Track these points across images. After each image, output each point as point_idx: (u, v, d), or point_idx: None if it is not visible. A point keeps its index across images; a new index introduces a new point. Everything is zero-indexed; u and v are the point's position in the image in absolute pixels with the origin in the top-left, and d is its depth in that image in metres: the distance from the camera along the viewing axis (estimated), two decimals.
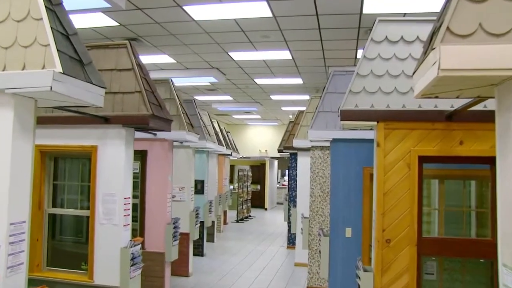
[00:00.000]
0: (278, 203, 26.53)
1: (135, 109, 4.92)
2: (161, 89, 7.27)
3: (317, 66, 10.54)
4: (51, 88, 2.65)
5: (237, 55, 9.77)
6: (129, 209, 5.06)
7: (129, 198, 5.07)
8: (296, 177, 11.91)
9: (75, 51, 3.01)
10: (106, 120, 4.92)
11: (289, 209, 12.17)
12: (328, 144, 7.99)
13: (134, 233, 7.13)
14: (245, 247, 12.67)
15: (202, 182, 11.14)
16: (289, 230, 12.42)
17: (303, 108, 11.11)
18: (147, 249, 7.04)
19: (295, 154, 11.84)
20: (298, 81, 12.36)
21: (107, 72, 5.11)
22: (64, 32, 2.95)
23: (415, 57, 3.94)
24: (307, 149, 9.37)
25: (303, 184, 9.88)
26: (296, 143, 8.43)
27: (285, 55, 9.60)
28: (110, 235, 4.93)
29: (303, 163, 9.95)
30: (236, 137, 22.43)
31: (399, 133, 3.98)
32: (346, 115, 4.07)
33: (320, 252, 6.24)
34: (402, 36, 4.09)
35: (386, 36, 4.13)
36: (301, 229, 8.45)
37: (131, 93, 4.99)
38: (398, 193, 3.95)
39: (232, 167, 23.90)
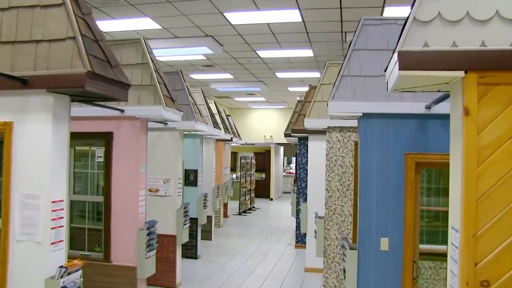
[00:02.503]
0: (284, 192, 24.87)
1: (67, 65, 3.18)
2: (130, 50, 5.53)
3: (333, 32, 8.72)
4: None
5: (235, 17, 7.97)
6: (61, 218, 3.34)
7: (62, 201, 3.35)
8: (306, 165, 10.19)
9: None
10: (23, 83, 3.20)
11: (297, 203, 10.46)
12: (349, 124, 6.26)
13: (98, 241, 5.45)
14: (247, 246, 10.98)
15: (195, 172, 9.44)
16: (297, 227, 10.72)
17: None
18: (114, 262, 5.38)
19: (305, 139, 10.10)
20: (308, 53, 10.54)
21: (27, 10, 3.37)
22: None
23: None
24: (320, 132, 7.65)
25: (315, 174, 8.20)
26: (309, 123, 6.67)
27: (293, 16, 7.80)
28: (31, 258, 3.23)
29: (316, 148, 8.24)
30: (238, 122, 20.68)
31: (507, 92, 2.23)
32: (409, 61, 2.31)
33: (344, 271, 4.53)
34: None
35: None
36: (315, 231, 6.74)
37: (61, 40, 3.25)
38: (504, 198, 2.20)
39: (234, 155, 22.24)
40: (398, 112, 4.24)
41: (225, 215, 15.08)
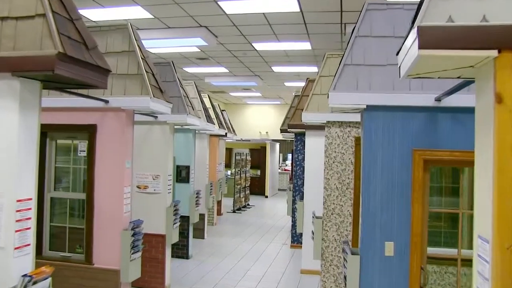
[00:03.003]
0: (279, 190, 24.50)
1: (35, 46, 2.79)
2: (115, 37, 5.14)
3: (332, 23, 8.35)
4: None
5: (230, 6, 7.58)
6: (28, 219, 2.96)
7: (29, 200, 2.97)
8: (303, 162, 9.85)
9: None
10: None
11: (293, 202, 10.11)
12: (349, 119, 5.91)
13: (79, 241, 5.08)
14: (241, 245, 10.61)
15: (187, 168, 9.06)
16: (293, 226, 10.37)
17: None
18: (96, 264, 5.00)
19: (301, 135, 9.75)
20: (306, 46, 10.16)
21: None
22: None
23: None
24: (318, 127, 7.29)
25: (312, 172, 7.84)
26: (307, 117, 6.29)
27: (291, 5, 7.41)
28: None
29: (313, 145, 7.88)
30: (234, 118, 20.30)
31: None
32: (431, 38, 1.93)
33: (345, 277, 4.17)
34: None
35: None
36: (312, 232, 6.38)
37: (29, 18, 2.86)
38: None
39: (229, 151, 21.89)
40: (405, 104, 3.88)
41: (219, 213, 14.70)
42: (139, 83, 4.90)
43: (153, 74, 5.19)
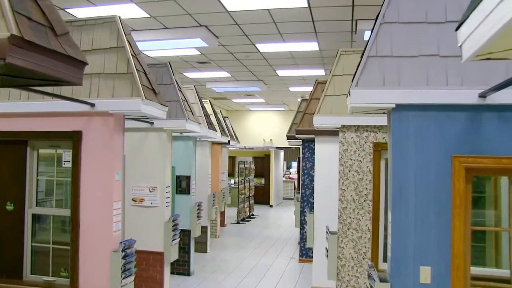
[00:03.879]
0: (284, 198, 23.85)
1: None
2: (102, 31, 4.54)
3: (342, 20, 7.75)
4: None
5: (231, 2, 6.99)
6: None
7: None
8: (311, 170, 9.23)
9: None
10: None
11: (301, 213, 9.47)
12: (366, 122, 5.30)
13: (65, 264, 4.47)
14: (246, 259, 9.96)
15: (188, 178, 8.44)
16: (301, 239, 9.72)
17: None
18: None
19: (309, 141, 9.14)
20: (313, 46, 9.56)
21: None
22: None
23: None
24: (330, 133, 6.70)
25: (322, 181, 7.26)
26: (319, 121, 5.65)
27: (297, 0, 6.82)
28: None
29: (323, 152, 7.29)
30: (237, 125, 19.72)
31: None
32: None
33: None
34: None
35: None
36: (326, 249, 5.74)
37: None
38: None
39: (232, 160, 21.27)
40: (443, 102, 3.25)
41: (222, 224, 14.07)
42: (129, 84, 4.28)
43: (145, 74, 4.58)
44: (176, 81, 6.50)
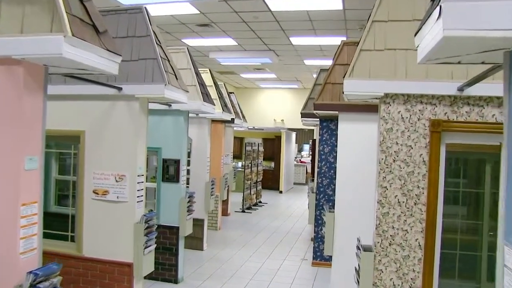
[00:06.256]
0: (295, 184, 22.18)
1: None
2: None
3: None
4: None
5: None
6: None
7: None
8: (329, 156, 7.55)
9: None
10: None
11: (316, 206, 7.80)
12: (422, 90, 3.59)
13: None
14: (250, 260, 8.32)
15: (177, 163, 6.78)
16: (316, 238, 8.05)
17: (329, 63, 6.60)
18: None
19: (329, 121, 7.46)
20: (336, 4, 7.75)
21: None
22: None
23: None
24: (359, 108, 5.02)
25: (347, 171, 5.68)
26: (351, 87, 3.79)
27: None
28: None
29: (350, 133, 5.64)
30: (246, 103, 18.00)
31: None
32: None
33: None
34: None
35: None
36: (356, 271, 4.06)
37: None
38: None
39: (240, 141, 19.61)
40: None
41: (225, 213, 12.45)
42: (47, 12, 2.57)
43: (86, 10, 2.86)
44: (154, 33, 4.77)
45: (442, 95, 3.63)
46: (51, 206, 5.60)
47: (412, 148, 3.72)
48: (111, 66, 2.96)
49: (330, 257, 6.05)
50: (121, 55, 3.06)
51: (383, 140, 3.77)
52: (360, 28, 8.81)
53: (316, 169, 9.15)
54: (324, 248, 5.93)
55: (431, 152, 3.66)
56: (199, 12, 8.56)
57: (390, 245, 3.77)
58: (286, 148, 19.61)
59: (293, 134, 21.92)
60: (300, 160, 23.96)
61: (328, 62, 10.65)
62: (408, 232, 3.73)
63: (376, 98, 3.93)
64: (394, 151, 3.74)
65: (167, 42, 6.76)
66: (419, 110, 3.70)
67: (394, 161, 3.75)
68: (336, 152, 7.54)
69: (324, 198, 7.67)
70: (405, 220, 3.73)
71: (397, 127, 3.74)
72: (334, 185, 7.55)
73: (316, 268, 7.90)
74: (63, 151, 5.50)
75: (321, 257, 8.00)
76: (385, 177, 3.77)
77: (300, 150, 25.95)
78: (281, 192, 19.19)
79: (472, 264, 4.32)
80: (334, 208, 5.84)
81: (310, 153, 25.02)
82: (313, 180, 10.60)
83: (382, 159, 3.77)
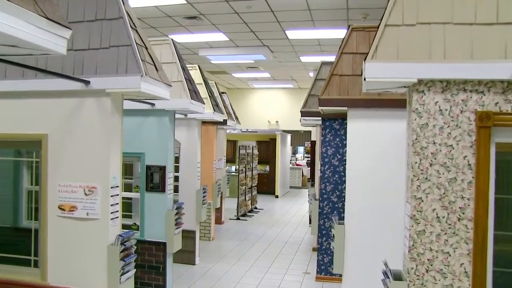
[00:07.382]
0: (291, 187, 21.41)
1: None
2: None
3: None
4: None
5: None
6: None
7: None
8: (333, 159, 6.78)
9: None
10: None
11: (319, 215, 7.00)
12: (466, 75, 2.78)
13: None
14: (246, 275, 7.50)
15: (163, 170, 5.95)
16: (320, 250, 7.24)
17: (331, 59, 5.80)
18: None
19: (332, 120, 6.71)
20: None
21: None
22: None
23: None
24: (373, 102, 4.28)
25: (359, 176, 4.88)
26: (375, 71, 2.96)
27: None
28: None
29: (363, 132, 4.88)
30: (238, 105, 17.18)
31: None
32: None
33: None
34: None
35: None
36: None
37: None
38: None
39: (233, 144, 18.84)
40: None
41: (219, 221, 11.63)
42: None
43: None
44: (128, 14, 3.94)
45: (493, 80, 2.84)
46: (22, 220, 4.76)
47: (453, 148, 2.92)
48: (55, 42, 2.15)
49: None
50: (70, 29, 2.25)
51: (416, 139, 2.97)
52: (364, 18, 8.02)
53: (317, 173, 8.37)
54: (333, 265, 5.13)
55: (478, 153, 2.87)
56: (186, 2, 7.74)
57: (427, 272, 2.96)
58: (281, 150, 18.84)
59: (288, 136, 21.15)
60: (295, 163, 23.19)
61: (326, 59, 9.86)
62: (450, 256, 2.93)
63: (404, 87, 3.14)
64: (431, 153, 2.95)
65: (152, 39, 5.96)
66: (462, 100, 2.91)
67: (431, 165, 2.95)
68: (340, 155, 6.77)
69: (328, 206, 6.88)
70: (446, 240, 2.93)
71: (434, 122, 2.94)
72: (340, 191, 6.79)
73: (320, 283, 7.11)
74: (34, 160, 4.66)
75: (325, 271, 7.21)
76: (419, 186, 2.96)
77: (294, 152, 25.18)
78: (277, 196, 18.38)
79: None
80: (343, 220, 5.05)
81: (305, 155, 24.35)
82: (313, 185, 9.80)
83: (416, 163, 2.97)
